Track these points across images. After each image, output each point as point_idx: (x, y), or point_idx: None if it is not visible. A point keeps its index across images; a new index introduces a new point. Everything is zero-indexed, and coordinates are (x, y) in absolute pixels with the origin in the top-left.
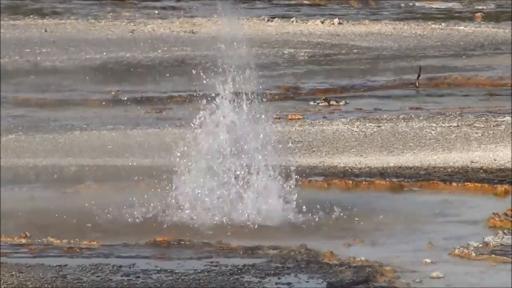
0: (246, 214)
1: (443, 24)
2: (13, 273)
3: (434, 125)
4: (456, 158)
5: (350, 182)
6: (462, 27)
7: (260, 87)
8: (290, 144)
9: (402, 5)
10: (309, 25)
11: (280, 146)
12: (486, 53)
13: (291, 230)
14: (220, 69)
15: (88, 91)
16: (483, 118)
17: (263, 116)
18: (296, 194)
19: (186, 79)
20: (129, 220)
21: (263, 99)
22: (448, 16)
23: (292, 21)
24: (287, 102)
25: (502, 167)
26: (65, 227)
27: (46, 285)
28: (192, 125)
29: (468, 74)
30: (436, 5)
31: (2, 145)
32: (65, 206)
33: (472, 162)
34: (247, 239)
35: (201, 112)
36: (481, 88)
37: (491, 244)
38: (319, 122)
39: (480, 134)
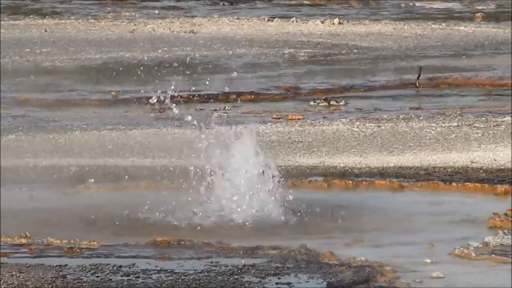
0: (246, 214)
1: (443, 24)
2: (13, 273)
3: (434, 125)
4: (456, 158)
5: (350, 182)
6: (462, 27)
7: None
8: (290, 144)
9: (402, 5)
10: (309, 25)
11: (280, 146)
12: (486, 53)
13: (291, 230)
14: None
15: (88, 91)
16: (483, 118)
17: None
18: (296, 194)
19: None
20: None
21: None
22: (448, 16)
23: (292, 21)
24: (287, 102)
25: (502, 167)
26: (65, 227)
27: (46, 285)
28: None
29: (468, 74)
30: (436, 5)
31: (2, 145)
32: (65, 206)
33: (472, 162)
34: (247, 239)
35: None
36: (481, 88)
37: (491, 244)
38: (319, 122)
39: (480, 134)
